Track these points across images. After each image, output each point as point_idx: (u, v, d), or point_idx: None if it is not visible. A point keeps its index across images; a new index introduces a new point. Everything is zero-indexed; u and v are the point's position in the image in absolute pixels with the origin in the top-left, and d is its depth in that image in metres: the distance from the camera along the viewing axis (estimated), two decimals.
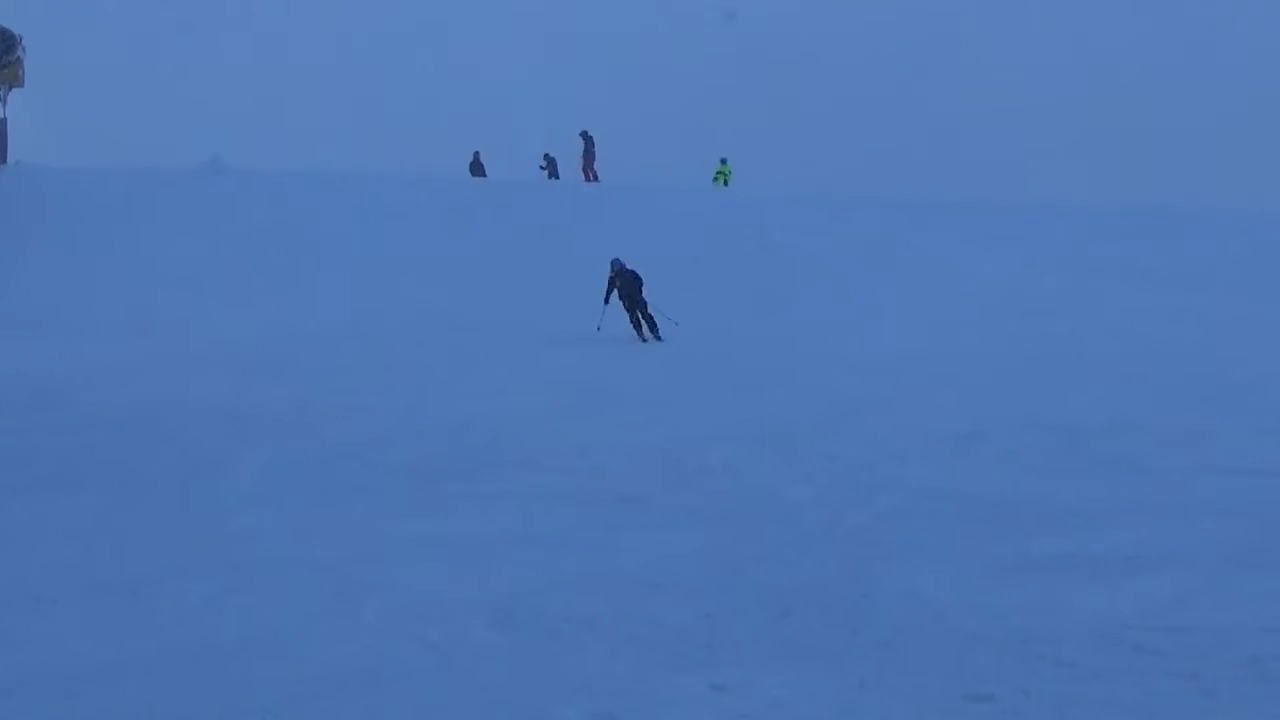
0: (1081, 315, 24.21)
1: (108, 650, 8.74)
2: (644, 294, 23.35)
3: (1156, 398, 18.13)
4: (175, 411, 17.97)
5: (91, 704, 7.81)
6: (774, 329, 23.16)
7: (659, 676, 8.13)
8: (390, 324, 23.28)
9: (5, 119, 34.42)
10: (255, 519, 12.64)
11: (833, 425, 17.05)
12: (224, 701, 7.84)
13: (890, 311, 24.76)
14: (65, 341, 21.17)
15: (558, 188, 39.95)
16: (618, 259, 23.79)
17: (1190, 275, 26.65)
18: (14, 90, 33.17)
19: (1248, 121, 50.56)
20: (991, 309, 24.82)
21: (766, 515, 12.83)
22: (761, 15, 61.81)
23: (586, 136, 42.09)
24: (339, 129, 55.10)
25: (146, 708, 7.75)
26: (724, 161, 42.07)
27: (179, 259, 26.26)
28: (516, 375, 20.52)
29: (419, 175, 35.79)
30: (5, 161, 33.38)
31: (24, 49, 33.29)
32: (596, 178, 41.65)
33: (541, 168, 42.39)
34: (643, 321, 23.37)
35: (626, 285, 23.36)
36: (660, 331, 23.32)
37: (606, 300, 23.56)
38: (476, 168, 42.16)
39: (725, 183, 41.49)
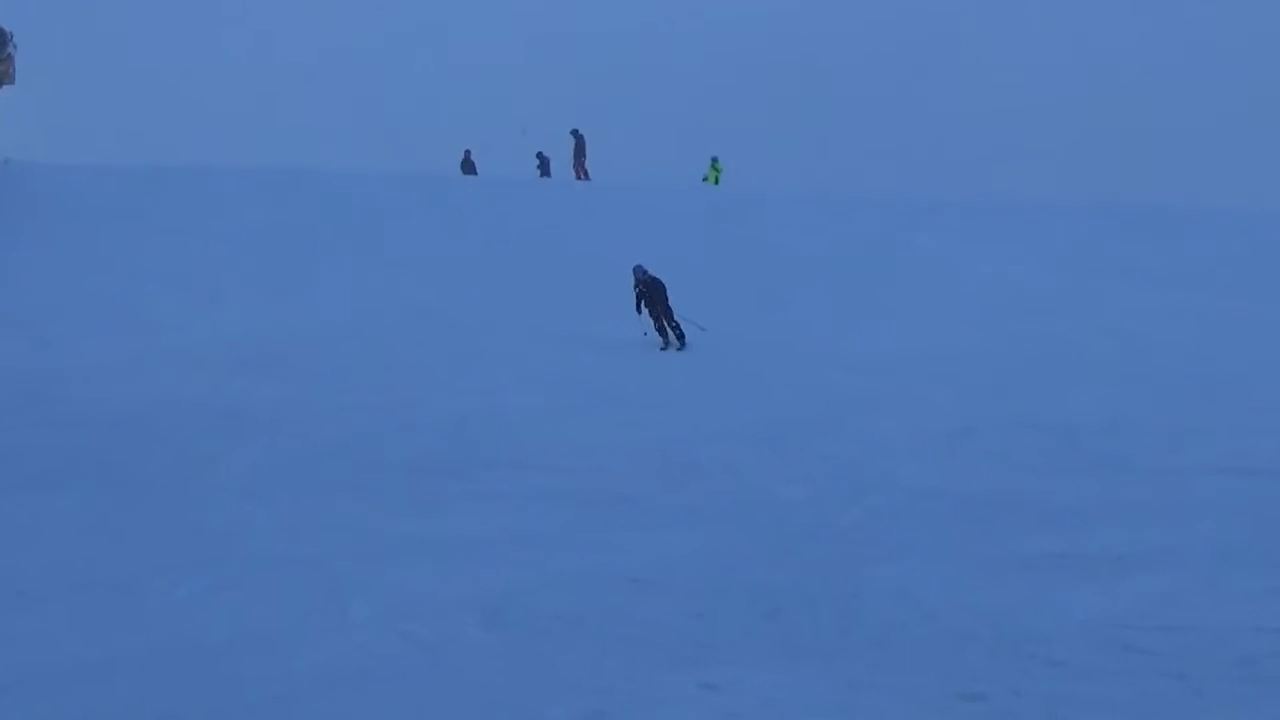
0: (1078, 315, 24.18)
1: (96, 647, 8.72)
2: (669, 301, 22.90)
3: (1151, 397, 18.12)
4: (167, 409, 17.93)
5: (80, 701, 7.78)
6: (769, 328, 23.12)
7: (650, 675, 8.11)
8: (383, 322, 23.22)
9: None
10: (246, 516, 12.64)
11: (827, 425, 17.05)
12: (212, 699, 7.82)
13: (886, 311, 24.72)
14: (56, 339, 21.10)
15: (549, 186, 39.91)
16: (640, 266, 23.32)
17: (1188, 275, 26.61)
18: (5, 88, 33.00)
19: (1247, 121, 50.58)
20: (988, 308, 24.78)
21: (760, 515, 12.83)
22: (755, 13, 61.80)
23: (577, 135, 42.09)
24: (329, 128, 55.04)
25: (135, 705, 7.73)
26: (714, 160, 42.08)
27: (172, 257, 26.18)
28: (510, 374, 20.48)
29: (410, 174, 35.72)
30: None
31: (15, 46, 33.15)
32: (587, 176, 41.67)
33: (537, 166, 42.42)
34: (669, 329, 23.01)
35: (650, 293, 22.98)
36: (686, 339, 22.84)
37: (639, 309, 23.11)
38: (467, 166, 42.13)
39: (716, 181, 41.52)
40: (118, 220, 28.51)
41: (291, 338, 22.00)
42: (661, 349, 22.74)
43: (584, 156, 41.86)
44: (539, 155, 42.66)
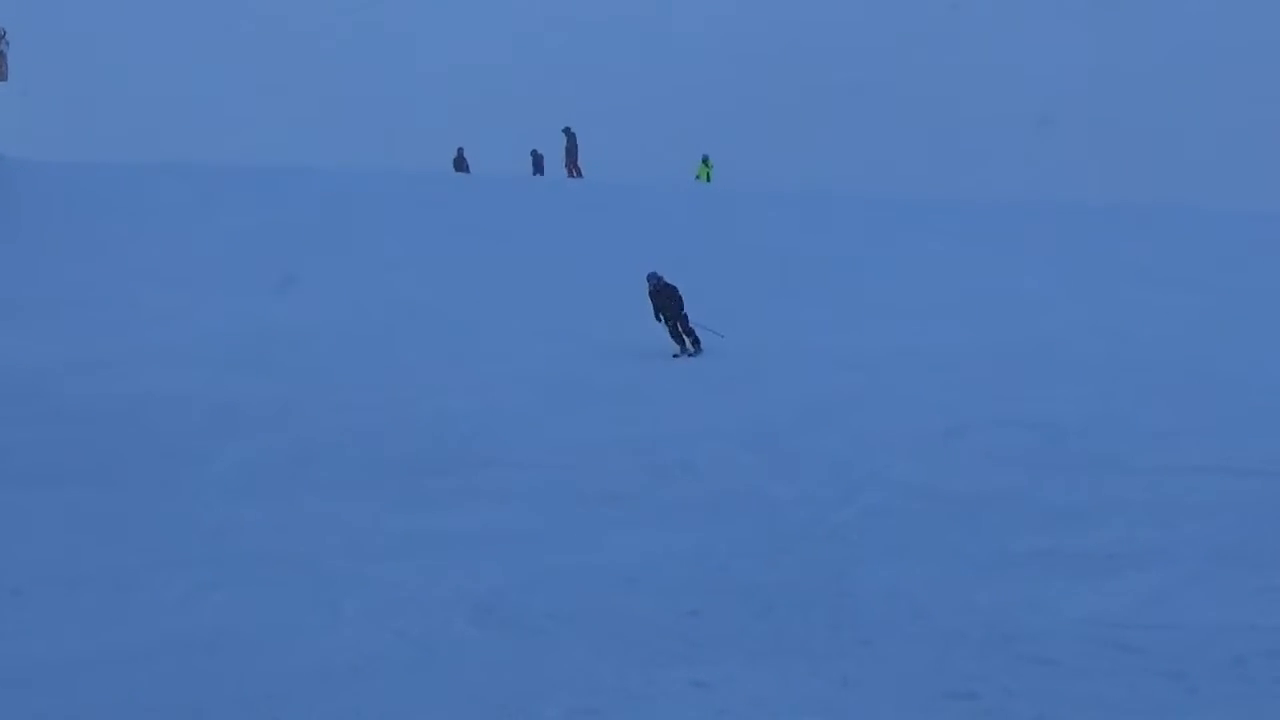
0: (1074, 314, 24.18)
1: (87, 644, 8.72)
2: (684, 308, 22.43)
3: (1145, 397, 18.11)
4: (159, 406, 17.89)
5: (70, 697, 7.78)
6: (759, 326, 23.11)
7: (640, 673, 8.11)
8: (375, 319, 23.19)
9: None
10: (238, 513, 12.63)
11: (816, 423, 17.04)
12: (203, 695, 7.81)
13: (878, 309, 24.71)
14: (46, 335, 21.05)
15: (542, 184, 39.92)
16: (654, 273, 22.75)
17: (1186, 275, 26.63)
18: None
19: (1247, 121, 50.61)
20: (982, 307, 24.79)
21: (751, 513, 12.82)
22: (750, 10, 61.81)
23: (569, 133, 42.13)
24: (322, 125, 54.96)
25: (125, 701, 7.72)
26: (705, 158, 42.15)
27: (165, 254, 26.15)
28: (500, 372, 20.46)
29: (402, 171, 35.70)
30: None
31: (7, 42, 33.08)
32: (580, 173, 41.70)
33: (531, 163, 42.48)
34: (684, 335, 22.77)
35: (664, 300, 22.69)
36: (701, 345, 22.54)
37: (658, 318, 22.55)
38: (460, 164, 42.12)
39: (708, 179, 41.61)
40: (111, 216, 28.48)
41: (283, 335, 21.97)
42: (674, 356, 22.27)
43: (576, 154, 41.90)
44: (533, 153, 42.68)
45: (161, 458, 15.32)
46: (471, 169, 41.74)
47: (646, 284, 22.70)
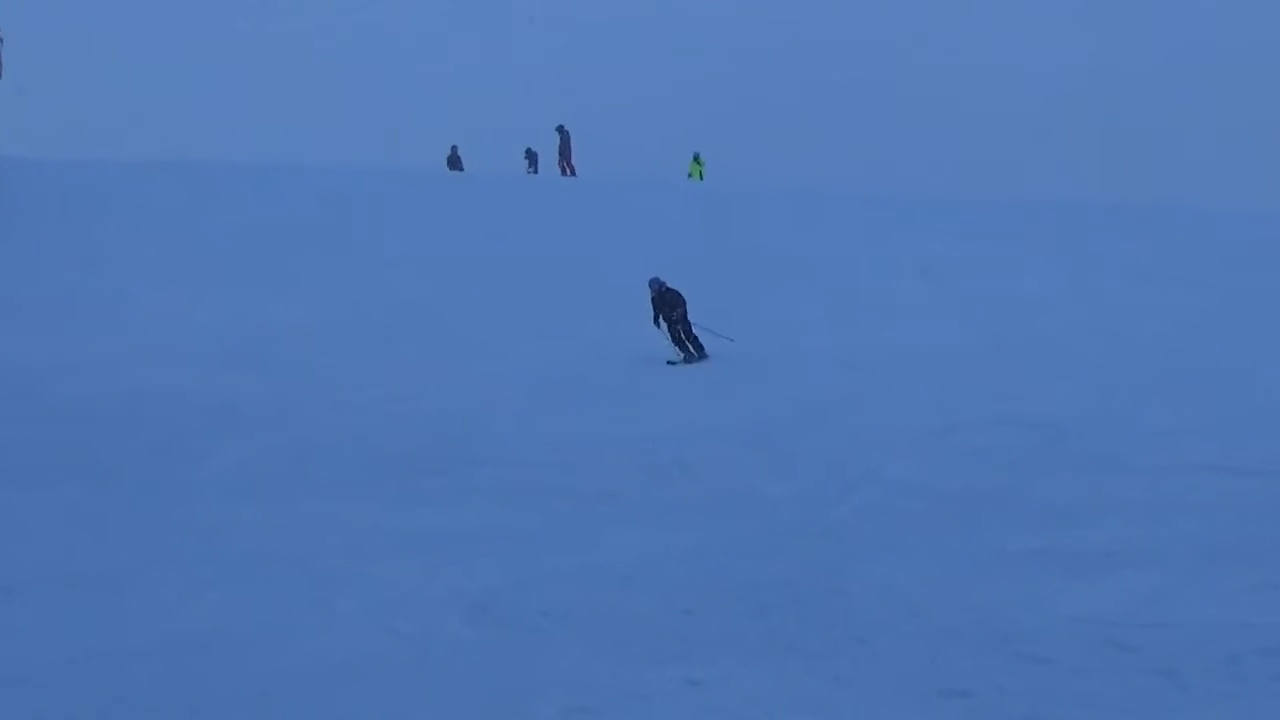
0: (1071, 313, 24.17)
1: (81, 643, 8.71)
2: (687, 313, 22.07)
3: (1140, 396, 18.12)
4: (153, 404, 17.90)
5: (65, 696, 7.77)
6: (755, 325, 23.10)
7: (636, 671, 8.11)
8: (371, 318, 23.18)
9: None
10: (232, 512, 12.62)
11: (813, 422, 17.05)
12: (197, 694, 7.80)
13: (874, 308, 24.73)
14: (39, 333, 21.03)
15: (536, 182, 39.95)
16: (656, 278, 22.48)
17: (1185, 275, 26.61)
18: None
19: (1247, 121, 50.57)
20: (978, 307, 24.79)
21: (744, 512, 12.83)
22: (746, 8, 61.78)
23: (563, 131, 42.19)
24: (317, 123, 54.94)
25: (119, 700, 7.71)
26: (696, 156, 42.21)
27: (157, 251, 26.13)
28: (496, 370, 20.48)
29: (397, 170, 35.70)
30: None
31: (2, 40, 33.01)
32: (574, 172, 41.77)
33: (524, 159, 42.52)
34: (687, 341, 22.15)
35: (667, 305, 22.44)
36: (705, 350, 22.24)
37: (657, 323, 22.26)
38: (454, 162, 42.11)
39: (700, 177, 41.69)
40: (107, 214, 28.45)
41: (279, 334, 21.98)
42: (670, 363, 21.85)
43: (570, 153, 41.95)
44: (528, 151, 42.71)
45: (157, 457, 15.33)
46: (465, 167, 41.74)
47: (649, 290, 22.44)
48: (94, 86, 57.39)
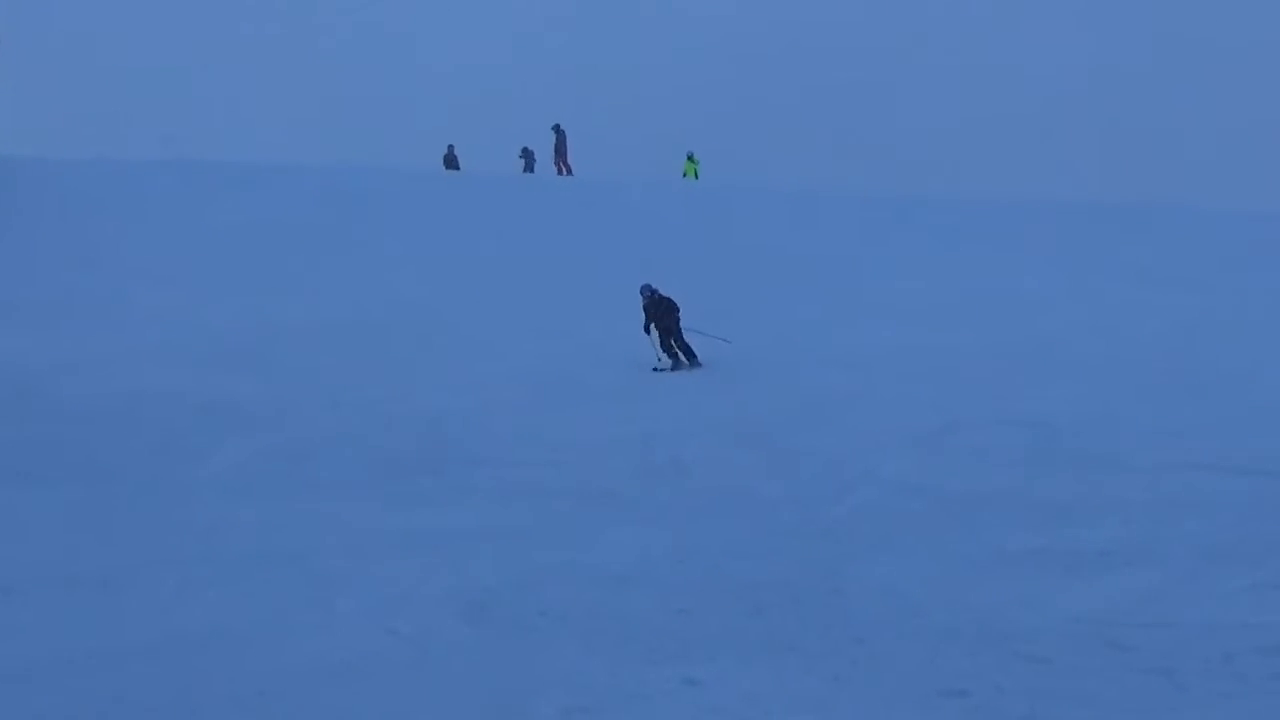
0: (1070, 313, 24.18)
1: (79, 642, 8.69)
2: (679, 322, 21.69)
3: (1140, 396, 18.12)
4: (153, 404, 17.90)
5: (63, 695, 7.76)
6: (752, 324, 23.11)
7: (633, 671, 8.10)
8: (368, 318, 23.20)
9: None
10: (230, 512, 12.62)
11: (807, 420, 17.06)
12: (195, 694, 7.79)
13: (871, 308, 24.73)
14: (39, 333, 21.05)
15: (532, 181, 39.98)
16: (648, 285, 22.10)
17: (1184, 275, 26.64)
18: None
19: (1246, 121, 50.61)
20: (977, 307, 24.80)
21: (742, 511, 12.82)
22: (743, 7, 61.79)
23: (558, 130, 42.24)
24: (320, 123, 54.97)
25: (117, 700, 7.70)
26: (690, 155, 42.28)
27: (153, 251, 26.17)
28: (494, 370, 20.48)
29: (393, 169, 35.73)
30: None
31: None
32: (569, 170, 41.83)
33: (520, 158, 42.55)
34: (678, 350, 21.73)
35: (659, 313, 21.86)
36: (697, 357, 21.63)
37: (647, 330, 21.83)
38: (451, 161, 42.14)
39: (695, 176, 41.76)
40: (106, 213, 28.48)
41: (278, 333, 22.00)
42: (656, 370, 21.48)
43: (565, 151, 42.01)
44: (524, 150, 42.75)
45: (156, 457, 15.33)
46: (462, 167, 41.76)
47: (640, 296, 22.15)
48: (95, 86, 57.42)
